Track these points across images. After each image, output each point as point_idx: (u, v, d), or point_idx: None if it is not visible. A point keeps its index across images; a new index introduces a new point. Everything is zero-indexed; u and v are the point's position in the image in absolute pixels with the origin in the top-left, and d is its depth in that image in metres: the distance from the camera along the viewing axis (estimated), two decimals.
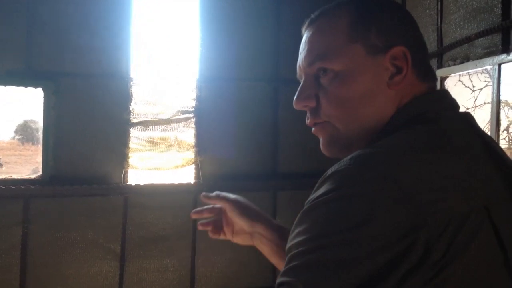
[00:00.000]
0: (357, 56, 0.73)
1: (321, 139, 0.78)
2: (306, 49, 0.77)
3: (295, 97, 0.78)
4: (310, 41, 0.77)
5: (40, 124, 3.72)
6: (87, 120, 3.61)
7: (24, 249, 3.46)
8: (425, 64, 0.77)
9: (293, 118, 3.69)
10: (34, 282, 3.49)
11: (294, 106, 0.79)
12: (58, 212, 3.54)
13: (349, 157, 0.63)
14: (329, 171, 0.63)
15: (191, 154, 3.89)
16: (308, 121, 0.78)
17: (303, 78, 0.79)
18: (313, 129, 0.79)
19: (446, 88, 3.32)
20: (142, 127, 3.77)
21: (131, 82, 3.69)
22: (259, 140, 4.00)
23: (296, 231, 0.62)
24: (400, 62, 0.73)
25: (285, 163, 4.06)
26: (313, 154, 3.65)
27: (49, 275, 3.51)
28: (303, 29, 0.80)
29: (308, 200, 0.64)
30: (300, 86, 0.78)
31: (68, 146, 3.57)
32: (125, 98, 3.69)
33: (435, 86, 0.78)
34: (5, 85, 3.49)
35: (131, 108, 3.71)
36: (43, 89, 3.54)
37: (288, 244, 0.63)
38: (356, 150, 0.64)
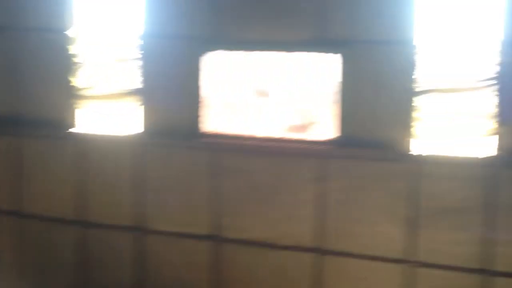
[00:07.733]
0: None
1: None
2: None
3: None
4: None
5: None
6: (375, 88, 3.67)
7: (319, 205, 3.83)
8: None
9: None
10: (325, 236, 3.82)
11: None
12: (349, 174, 3.76)
13: None
14: None
15: (486, 125, 3.64)
16: None
17: None
18: None
19: None
20: (432, 95, 3.65)
21: (417, 49, 3.57)
22: None
23: None
24: None
25: None
26: None
27: (338, 229, 3.82)
28: None
29: None
30: None
31: (356, 111, 3.72)
32: (411, 65, 3.60)
33: None
34: (307, 51, 3.80)
35: (417, 76, 3.61)
36: (342, 56, 3.66)
37: None
38: None
